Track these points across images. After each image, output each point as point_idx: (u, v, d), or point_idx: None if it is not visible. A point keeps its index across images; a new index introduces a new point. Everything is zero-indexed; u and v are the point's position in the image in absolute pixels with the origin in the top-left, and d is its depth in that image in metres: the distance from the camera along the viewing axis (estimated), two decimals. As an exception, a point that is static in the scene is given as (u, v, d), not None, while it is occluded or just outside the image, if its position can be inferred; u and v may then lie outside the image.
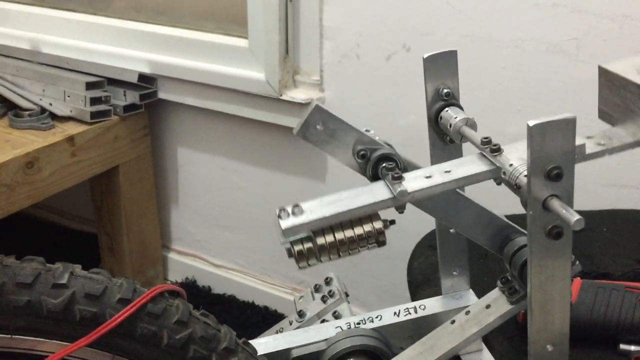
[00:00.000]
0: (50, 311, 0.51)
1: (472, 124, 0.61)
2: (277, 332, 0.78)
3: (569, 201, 0.47)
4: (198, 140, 1.56)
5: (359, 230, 0.55)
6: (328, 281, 0.82)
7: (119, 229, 1.55)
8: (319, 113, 0.58)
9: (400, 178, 0.54)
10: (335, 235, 0.55)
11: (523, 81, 1.15)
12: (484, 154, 0.55)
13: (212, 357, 0.56)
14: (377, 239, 0.55)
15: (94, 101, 1.40)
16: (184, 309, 0.56)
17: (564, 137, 0.46)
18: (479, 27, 1.15)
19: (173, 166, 1.62)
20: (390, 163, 0.57)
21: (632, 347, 0.70)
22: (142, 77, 1.45)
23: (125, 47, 1.50)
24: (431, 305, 0.73)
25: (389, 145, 0.61)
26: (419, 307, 0.73)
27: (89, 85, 1.41)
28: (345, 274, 1.47)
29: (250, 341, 0.71)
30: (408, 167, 0.60)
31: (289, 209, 0.54)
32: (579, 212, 0.98)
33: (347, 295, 0.83)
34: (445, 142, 0.66)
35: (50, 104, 1.42)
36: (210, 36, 1.43)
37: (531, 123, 0.45)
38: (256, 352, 0.61)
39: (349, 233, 0.55)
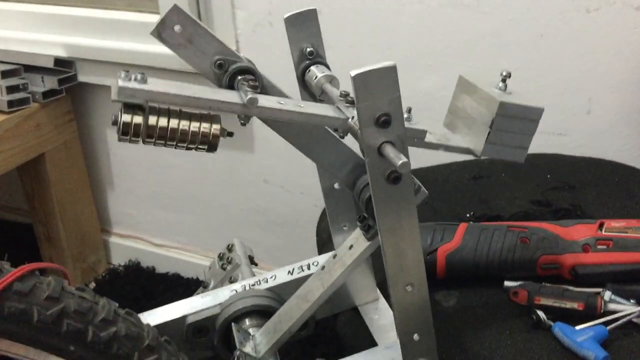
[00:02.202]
0: None
1: (332, 80, 0.62)
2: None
3: (402, 146, 0.49)
4: (125, 121, 1.54)
5: (195, 125, 0.54)
6: (230, 248, 0.84)
7: (53, 217, 1.54)
8: (177, 15, 0.55)
9: (255, 88, 0.54)
10: (171, 120, 0.53)
11: (430, 36, 1.17)
12: (339, 107, 0.57)
13: (89, 329, 0.57)
14: (210, 141, 0.54)
15: (11, 89, 1.38)
16: (55, 285, 0.57)
17: (388, 85, 0.47)
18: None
19: (104, 149, 1.60)
20: (250, 76, 0.57)
21: (516, 283, 0.72)
22: (59, 62, 1.43)
23: (39, 32, 1.47)
24: (323, 260, 0.75)
25: (249, 61, 0.60)
26: (312, 264, 0.75)
27: (5, 74, 1.38)
28: (284, 242, 1.50)
29: (147, 312, 0.73)
30: (267, 89, 0.59)
31: (136, 75, 0.52)
32: (483, 160, 1.00)
33: (252, 258, 0.84)
34: (316, 100, 0.67)
35: (-34, 96, 1.39)
36: (122, 14, 1.41)
37: (353, 73, 0.47)
38: (140, 321, 0.62)
39: (184, 124, 0.53)
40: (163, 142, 0.54)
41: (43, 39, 1.46)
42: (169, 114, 0.54)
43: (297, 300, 0.64)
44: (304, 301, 0.63)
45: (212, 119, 0.55)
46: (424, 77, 1.20)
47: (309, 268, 0.75)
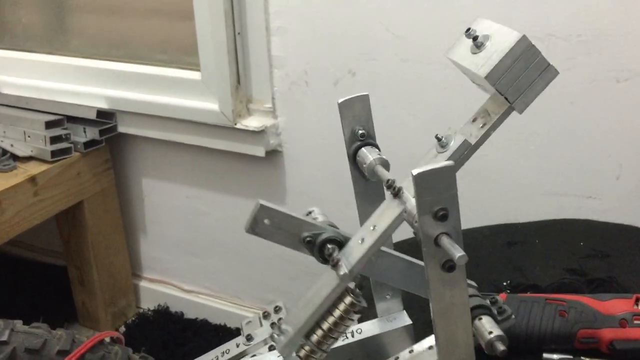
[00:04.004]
0: (-8, 367, 0.55)
1: (384, 163, 0.66)
2: (222, 354, 0.82)
3: (457, 237, 0.52)
4: (160, 170, 1.59)
5: (337, 313, 0.63)
6: (277, 309, 0.86)
7: (88, 262, 1.58)
8: (264, 210, 0.63)
9: (337, 263, 0.61)
10: (322, 327, 0.63)
11: (463, 100, 1.21)
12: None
13: (152, 396, 0.60)
14: (355, 310, 0.63)
15: (54, 140, 1.44)
16: (122, 355, 0.60)
17: (446, 182, 0.51)
18: (417, 50, 1.21)
19: (138, 197, 1.65)
20: (332, 246, 0.63)
21: (555, 356, 0.75)
22: (101, 113, 1.49)
23: (83, 85, 1.54)
24: (367, 328, 0.78)
25: (331, 225, 0.66)
26: (356, 331, 0.78)
27: (49, 124, 1.44)
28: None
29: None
30: (347, 239, 0.65)
31: (276, 332, 0.64)
32: (514, 224, 1.03)
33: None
34: (365, 179, 0.71)
35: (12, 145, 1.45)
36: (164, 70, 1.47)
37: (415, 172, 0.50)
38: (196, 387, 0.65)
39: (331, 320, 0.63)
40: (333, 339, 0.64)
41: (86, 91, 1.53)
42: (318, 325, 0.64)
43: None
44: None
45: (340, 297, 0.63)
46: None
47: (352, 335, 0.77)
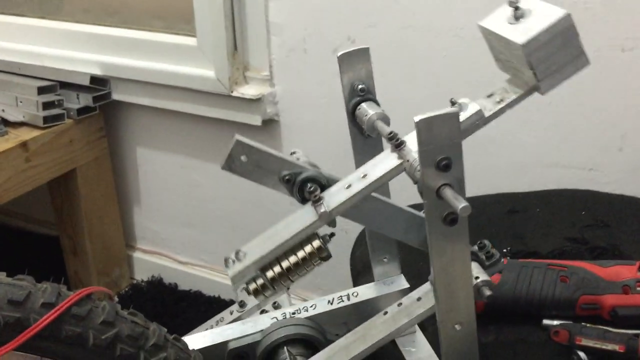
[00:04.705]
0: (-25, 319, 0.53)
1: (384, 118, 0.64)
2: (217, 322, 0.80)
3: (460, 188, 0.50)
4: (155, 139, 1.57)
5: (301, 254, 0.60)
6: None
7: (81, 231, 1.56)
8: (241, 146, 0.61)
9: (319, 200, 0.58)
10: (282, 264, 0.60)
11: (464, 68, 1.18)
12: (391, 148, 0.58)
13: (140, 354, 0.58)
14: (320, 256, 0.60)
15: (47, 105, 1.41)
16: (110, 310, 0.58)
17: (450, 130, 0.49)
18: (418, 17, 1.18)
19: (132, 166, 1.63)
20: (312, 185, 0.60)
21: (555, 322, 0.73)
22: (95, 80, 1.46)
23: (76, 50, 1.51)
24: (364, 292, 0.76)
25: (313, 165, 0.64)
26: (352, 295, 0.76)
27: (41, 90, 1.41)
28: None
29: (187, 336, 0.74)
30: (331, 181, 0.62)
31: (233, 256, 0.59)
32: (515, 193, 1.01)
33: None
34: (364, 135, 0.69)
35: (3, 110, 1.42)
36: (159, 36, 1.44)
37: (417, 118, 0.48)
38: (187, 347, 0.63)
39: (293, 259, 0.60)
40: (291, 281, 0.61)
41: (80, 57, 1.49)
42: (277, 259, 0.60)
43: (355, 339, 0.65)
44: (362, 342, 0.64)
45: (309, 239, 0.60)
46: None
47: (348, 299, 0.76)
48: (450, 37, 1.17)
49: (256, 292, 0.60)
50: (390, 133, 0.57)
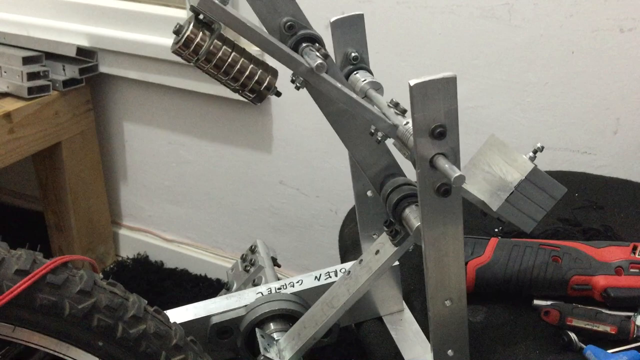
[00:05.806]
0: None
1: (378, 88, 0.61)
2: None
3: (454, 158, 0.48)
4: (143, 114, 1.53)
5: (254, 68, 0.54)
6: (253, 249, 0.83)
7: (65, 207, 1.53)
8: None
9: (327, 56, 0.53)
10: (233, 54, 0.53)
11: (459, 46, 1.16)
12: (387, 114, 0.56)
13: (119, 325, 0.56)
14: (261, 90, 0.54)
15: (31, 76, 1.37)
16: (87, 279, 0.56)
17: (446, 96, 0.46)
18: (414, -7, 1.15)
19: (119, 141, 1.60)
20: (318, 46, 0.55)
21: (546, 302, 0.72)
22: (81, 51, 1.42)
23: (63, 20, 1.47)
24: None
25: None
26: (339, 271, 0.74)
27: (26, 60, 1.38)
28: (296, 245, 1.49)
29: (171, 310, 0.72)
30: None
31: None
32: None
33: (275, 260, 0.83)
34: (356, 106, 0.66)
35: (-14, 80, 1.39)
36: (149, 7, 1.40)
37: (412, 82, 0.46)
38: (168, 320, 0.61)
39: (245, 62, 0.53)
40: (216, 72, 0.53)
41: (66, 27, 1.45)
42: (233, 47, 0.53)
43: (322, 306, 0.63)
44: (329, 307, 0.62)
45: (271, 71, 0.54)
46: (450, 87, 1.19)
47: (336, 275, 0.74)
48: (446, 15, 1.14)
49: (188, 41, 0.52)
50: (392, 100, 0.55)
